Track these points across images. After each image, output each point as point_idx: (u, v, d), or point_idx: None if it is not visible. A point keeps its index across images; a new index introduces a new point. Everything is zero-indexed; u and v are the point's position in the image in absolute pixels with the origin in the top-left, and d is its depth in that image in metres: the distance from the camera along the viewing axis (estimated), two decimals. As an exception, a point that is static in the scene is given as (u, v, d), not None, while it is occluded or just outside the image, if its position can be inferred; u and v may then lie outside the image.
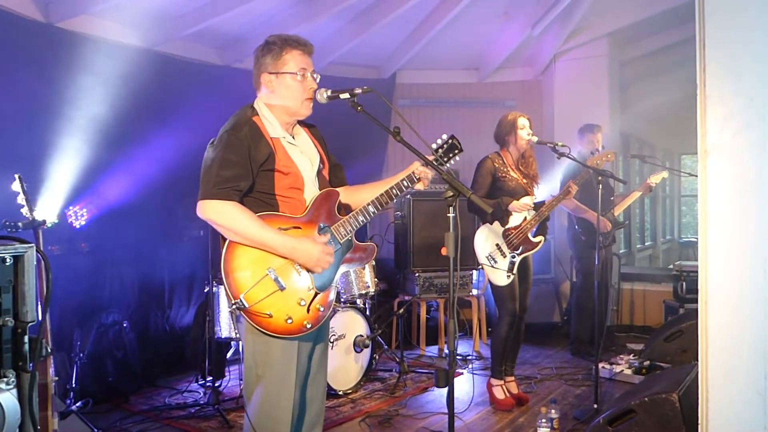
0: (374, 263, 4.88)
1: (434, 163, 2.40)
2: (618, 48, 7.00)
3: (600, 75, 6.78)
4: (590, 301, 4.95)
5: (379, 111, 2.39)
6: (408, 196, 5.73)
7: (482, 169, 4.10)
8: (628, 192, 5.72)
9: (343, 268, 2.42)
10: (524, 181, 4.11)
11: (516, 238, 4.03)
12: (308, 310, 2.25)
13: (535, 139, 4.06)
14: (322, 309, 2.30)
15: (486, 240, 4.01)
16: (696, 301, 2.06)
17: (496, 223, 4.04)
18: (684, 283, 5.75)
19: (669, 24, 6.48)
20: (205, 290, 4.43)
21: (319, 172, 2.40)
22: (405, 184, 2.43)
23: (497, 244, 4.01)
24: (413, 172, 2.43)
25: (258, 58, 2.36)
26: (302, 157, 2.35)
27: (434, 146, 2.49)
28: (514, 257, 4.02)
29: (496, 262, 3.97)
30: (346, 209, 2.46)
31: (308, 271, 2.27)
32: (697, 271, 2.07)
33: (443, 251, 2.22)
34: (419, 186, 2.46)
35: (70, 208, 4.34)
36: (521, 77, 7.28)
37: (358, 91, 2.25)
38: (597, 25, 6.65)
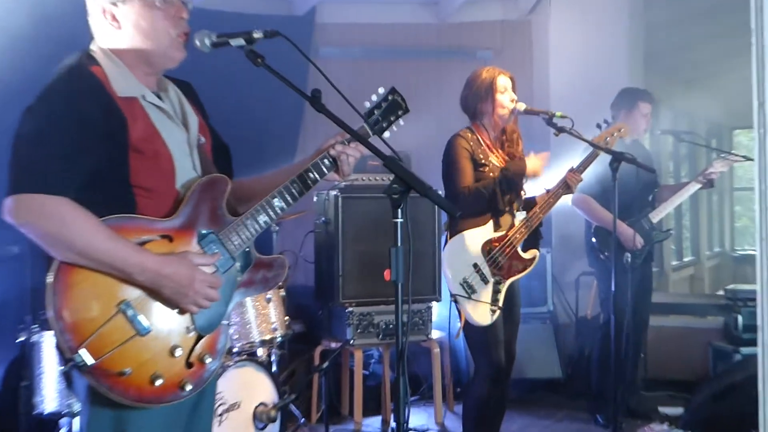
0: (284, 293, 4.82)
1: (365, 133, 2.48)
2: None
3: (616, 16, 6.88)
4: (620, 345, 4.94)
5: (291, 64, 2.40)
6: (335, 192, 5.68)
7: (456, 151, 4.12)
8: (674, 186, 5.86)
9: (238, 296, 2.41)
10: (507, 167, 4.21)
11: (502, 254, 4.08)
12: (188, 364, 2.24)
13: (521, 107, 4.12)
14: (209, 360, 2.29)
15: (460, 258, 4.04)
16: (756, 342, 2.11)
17: (473, 235, 4.08)
18: (740, 317, 5.84)
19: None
20: (20, 339, 4.30)
21: (199, 147, 2.39)
22: (327, 164, 2.49)
23: (475, 264, 4.05)
24: (328, 152, 2.48)
25: None
26: (172, 125, 2.34)
27: (367, 106, 2.55)
28: (499, 282, 4.07)
29: (474, 291, 4.01)
30: (239, 206, 2.46)
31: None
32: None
33: (387, 275, 2.23)
34: (335, 176, 2.51)
35: None
36: (501, 16, 7.38)
37: (259, 35, 2.27)
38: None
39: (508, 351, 4.22)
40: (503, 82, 4.16)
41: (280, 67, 2.28)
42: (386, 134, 2.61)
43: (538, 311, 6.40)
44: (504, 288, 4.10)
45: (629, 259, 4.98)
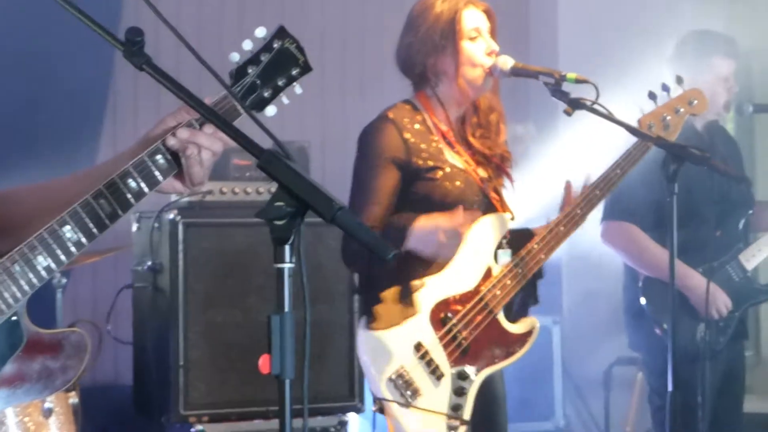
0: (77, 399, 3.86)
1: (231, 109, 2.04)
2: None
3: None
4: None
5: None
6: (172, 216, 4.56)
7: (371, 150, 3.32)
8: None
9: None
10: (482, 173, 3.33)
11: (469, 326, 3.20)
12: None
13: (508, 64, 3.25)
14: None
15: (390, 334, 3.16)
16: None
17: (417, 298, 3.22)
18: None
19: None
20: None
21: None
22: (162, 163, 2.01)
23: (418, 346, 3.14)
24: (163, 142, 2.01)
25: None
26: None
27: (236, 60, 2.13)
28: (464, 377, 3.17)
29: (417, 393, 3.11)
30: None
31: None
32: None
33: (264, 364, 1.70)
34: (176, 184, 2.06)
35: None
36: None
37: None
38: None
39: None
40: (474, 19, 3.29)
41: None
42: (270, 110, 2.13)
43: (541, 429, 5.20)
44: (474, 387, 3.19)
45: (705, 336, 3.76)
